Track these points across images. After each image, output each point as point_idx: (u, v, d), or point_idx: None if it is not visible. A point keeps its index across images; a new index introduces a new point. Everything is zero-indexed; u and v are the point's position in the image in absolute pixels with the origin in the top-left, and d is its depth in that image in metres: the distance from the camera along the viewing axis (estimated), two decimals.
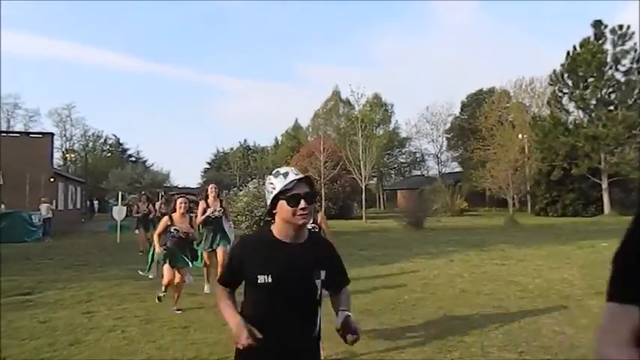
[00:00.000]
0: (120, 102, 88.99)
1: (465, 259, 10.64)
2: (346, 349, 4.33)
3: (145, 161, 60.72)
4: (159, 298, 6.18)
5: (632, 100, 30.67)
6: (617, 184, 32.41)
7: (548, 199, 33.95)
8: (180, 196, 6.38)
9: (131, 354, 4.28)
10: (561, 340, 4.58)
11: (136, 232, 14.09)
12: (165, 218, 6.13)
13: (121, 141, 63.52)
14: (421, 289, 7.31)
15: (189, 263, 6.21)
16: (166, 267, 5.99)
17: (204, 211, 7.07)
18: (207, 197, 7.30)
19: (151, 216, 13.72)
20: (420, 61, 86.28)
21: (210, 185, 7.53)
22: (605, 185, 31.63)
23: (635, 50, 30.62)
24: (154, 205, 14.55)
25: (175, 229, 5.98)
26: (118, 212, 16.79)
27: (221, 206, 7.34)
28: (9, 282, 8.21)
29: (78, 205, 30.87)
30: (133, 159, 60.44)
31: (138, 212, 13.81)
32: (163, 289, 6.14)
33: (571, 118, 33.76)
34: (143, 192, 17.26)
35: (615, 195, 32.73)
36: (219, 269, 5.34)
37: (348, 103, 47.76)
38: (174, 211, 6.11)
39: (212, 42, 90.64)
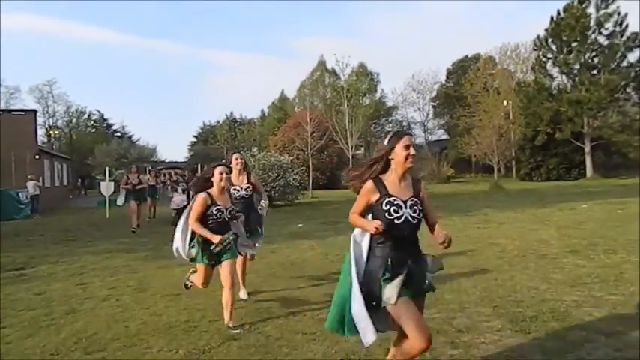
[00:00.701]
0: (102, 77, 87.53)
1: (448, 224, 10.88)
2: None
3: (130, 136, 60.20)
4: (186, 286, 4.92)
5: (615, 63, 30.99)
6: (600, 147, 33.02)
7: (532, 164, 34.54)
8: (219, 165, 4.54)
9: (126, 320, 4.48)
10: (533, 294, 4.85)
11: (125, 205, 13.59)
12: (204, 196, 4.35)
13: (105, 116, 62.71)
14: None
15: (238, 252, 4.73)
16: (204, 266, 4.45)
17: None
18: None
19: (142, 186, 13.19)
20: (405, 29, 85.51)
21: (234, 155, 5.47)
22: (587, 149, 32.22)
23: (618, 14, 30.75)
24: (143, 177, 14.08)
25: (219, 210, 4.37)
26: (106, 188, 16.82)
27: (249, 182, 5.40)
28: (2, 258, 8.34)
29: (65, 182, 30.72)
30: (119, 134, 59.86)
31: (127, 184, 13.11)
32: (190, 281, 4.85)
33: (555, 84, 34.07)
34: (133, 164, 16.96)
35: (598, 158, 33.40)
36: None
37: (333, 73, 47.39)
38: (209, 184, 4.46)
39: (196, 14, 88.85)
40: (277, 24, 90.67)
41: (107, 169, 18.09)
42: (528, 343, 3.56)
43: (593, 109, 30.99)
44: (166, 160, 59.36)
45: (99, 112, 62.38)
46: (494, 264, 6.40)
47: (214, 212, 4.34)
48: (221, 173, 4.40)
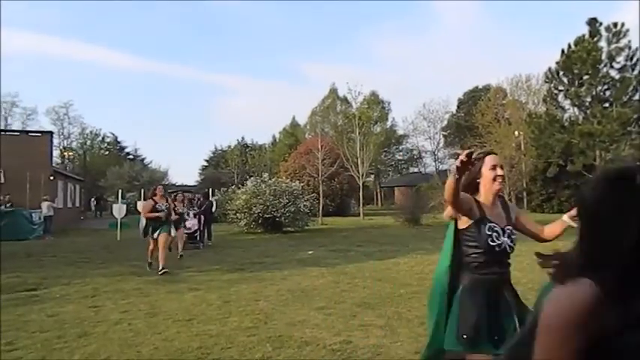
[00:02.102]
0: (117, 100, 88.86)
1: None
2: (345, 338, 4.54)
3: (142, 159, 60.77)
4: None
5: (627, 97, 30.90)
6: None
7: (544, 196, 34.29)
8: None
9: (138, 345, 4.47)
10: None
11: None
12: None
13: (118, 139, 63.55)
14: (417, 283, 7.51)
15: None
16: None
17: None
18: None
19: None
20: (416, 58, 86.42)
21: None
22: None
23: (630, 47, 30.86)
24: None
25: None
26: (119, 210, 16.96)
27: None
28: (15, 278, 8.39)
29: (77, 204, 30.99)
30: (131, 157, 60.46)
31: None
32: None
33: (566, 116, 33.97)
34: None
35: None
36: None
37: (345, 100, 47.88)
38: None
39: (208, 40, 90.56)
40: (289, 50, 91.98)
41: (119, 191, 18.27)
42: None
43: (606, 142, 30.82)
44: (177, 184, 59.71)
45: (113, 134, 63.27)
46: None
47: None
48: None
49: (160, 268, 8.66)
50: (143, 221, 9.86)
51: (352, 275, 8.34)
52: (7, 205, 18.25)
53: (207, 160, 66.34)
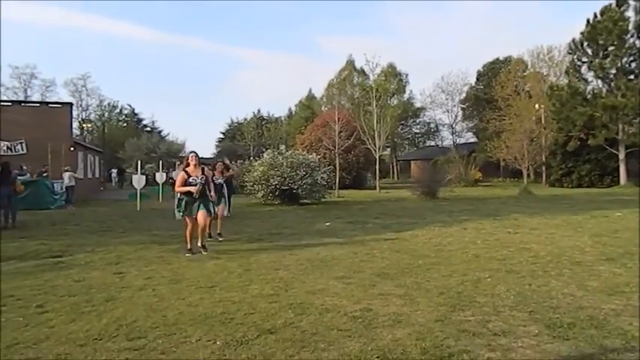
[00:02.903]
0: (135, 73, 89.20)
1: (478, 228, 10.83)
2: (365, 305, 4.60)
3: (160, 131, 61.22)
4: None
5: None
6: (635, 154, 32.00)
7: (563, 170, 33.77)
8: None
9: (163, 310, 4.59)
10: (570, 301, 4.78)
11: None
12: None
13: (136, 111, 63.97)
14: (435, 254, 7.53)
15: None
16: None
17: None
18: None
19: None
20: (435, 31, 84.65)
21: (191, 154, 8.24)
22: (622, 156, 31.30)
23: None
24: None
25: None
26: (138, 181, 17.19)
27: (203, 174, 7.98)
28: (40, 245, 8.64)
29: (97, 174, 31.46)
30: (148, 129, 60.92)
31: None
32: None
33: (589, 88, 33.14)
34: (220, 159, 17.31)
35: (632, 166, 32.38)
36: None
37: (362, 72, 47.37)
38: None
39: (225, 13, 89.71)
40: (305, 22, 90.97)
41: (139, 162, 18.48)
42: (567, 350, 3.52)
43: (629, 115, 30.09)
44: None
45: (130, 106, 63.73)
46: (527, 269, 6.31)
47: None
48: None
49: (190, 247, 7.63)
50: (176, 197, 8.36)
51: (370, 246, 8.38)
52: (44, 174, 18.67)
53: (223, 133, 66.60)
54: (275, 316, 4.33)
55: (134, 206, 17.19)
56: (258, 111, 64.03)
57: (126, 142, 47.58)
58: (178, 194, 8.00)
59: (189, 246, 7.72)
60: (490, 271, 6.23)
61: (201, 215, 7.80)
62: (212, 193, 8.05)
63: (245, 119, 63.66)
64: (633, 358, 3.37)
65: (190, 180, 7.70)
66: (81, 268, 6.68)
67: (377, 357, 3.37)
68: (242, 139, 57.34)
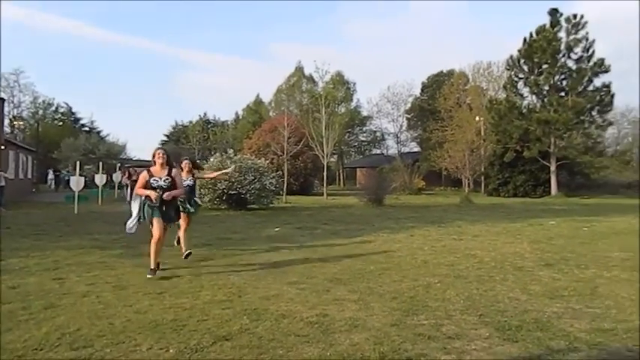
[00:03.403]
0: (73, 70, 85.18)
1: (424, 234, 11.10)
2: (320, 311, 4.58)
3: (99, 132, 58.65)
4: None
5: (582, 87, 32.14)
6: (564, 167, 34.15)
7: (500, 180, 35.40)
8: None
9: (110, 317, 4.36)
10: (515, 305, 4.98)
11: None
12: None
13: (73, 110, 61.07)
14: (385, 260, 7.64)
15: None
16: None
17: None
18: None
19: None
20: (383, 41, 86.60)
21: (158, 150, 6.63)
22: (553, 168, 33.24)
23: (587, 39, 31.95)
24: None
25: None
26: (76, 183, 16.35)
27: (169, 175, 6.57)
28: None
29: (29, 175, 29.69)
30: (87, 129, 58.27)
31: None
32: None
33: (525, 103, 35.06)
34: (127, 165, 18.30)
35: (562, 177, 34.50)
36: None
37: (311, 79, 47.68)
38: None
39: (171, 13, 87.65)
40: (254, 27, 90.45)
41: (78, 163, 17.60)
42: (517, 351, 3.64)
43: (560, 130, 32.03)
44: (135, 158, 58.12)
45: (67, 104, 60.79)
46: (474, 274, 6.52)
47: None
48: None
49: (152, 266, 6.22)
50: (135, 202, 6.57)
51: (321, 252, 8.39)
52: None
53: (167, 135, 64.89)
54: (230, 322, 4.22)
55: (71, 209, 16.33)
56: (204, 114, 63.11)
57: (62, 142, 45.22)
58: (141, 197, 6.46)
59: (152, 264, 6.22)
60: (439, 276, 6.38)
61: (155, 224, 6.34)
62: (177, 193, 6.55)
63: (190, 122, 62.44)
64: (577, 358, 3.54)
65: (152, 181, 6.32)
66: (15, 273, 6.23)
67: None
68: (187, 142, 56.11)
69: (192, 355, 3.47)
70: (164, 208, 6.39)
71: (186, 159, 8.23)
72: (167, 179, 6.38)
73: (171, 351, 3.53)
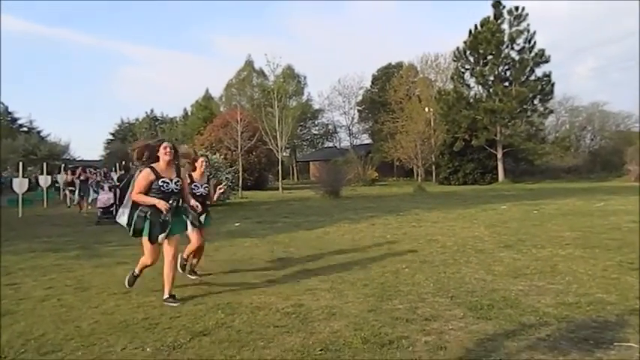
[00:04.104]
0: (7, 68, 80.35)
1: (384, 223, 11.25)
2: (295, 301, 4.54)
3: (39, 131, 55.76)
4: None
5: (525, 77, 33.49)
6: (510, 154, 35.55)
7: (450, 169, 36.42)
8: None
9: (75, 320, 4.15)
10: (483, 285, 5.12)
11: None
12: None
13: (9, 109, 57.68)
14: (350, 249, 7.69)
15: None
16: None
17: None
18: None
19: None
20: (331, 34, 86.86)
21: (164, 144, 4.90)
22: (499, 155, 34.50)
23: (528, 31, 33.29)
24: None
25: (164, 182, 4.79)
26: (19, 185, 15.48)
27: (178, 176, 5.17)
28: None
29: None
30: (25, 129, 55.23)
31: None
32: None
33: (472, 93, 36.16)
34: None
35: (508, 164, 35.89)
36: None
37: (261, 73, 47.19)
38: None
39: (116, 6, 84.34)
40: (198, 21, 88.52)
41: (20, 164, 16.66)
42: (492, 328, 3.75)
43: (505, 119, 33.28)
44: (79, 158, 55.77)
45: (2, 104, 57.30)
46: (439, 259, 6.67)
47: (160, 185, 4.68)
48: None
49: (166, 295, 4.72)
50: (126, 209, 4.92)
51: (285, 244, 8.34)
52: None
53: (112, 134, 62.68)
54: (204, 317, 4.11)
55: (14, 213, 15.44)
56: (151, 111, 61.28)
57: None
58: (135, 206, 4.78)
59: (167, 290, 4.74)
60: (406, 262, 6.49)
61: (170, 243, 4.81)
62: (193, 203, 5.23)
63: (137, 119, 60.56)
64: (549, 331, 3.68)
65: (161, 184, 4.67)
66: None
67: (320, 350, 3.33)
68: (134, 140, 54.24)
69: (171, 352, 3.35)
70: (175, 222, 4.80)
71: (202, 156, 6.09)
72: (178, 182, 4.80)
73: (147, 350, 3.40)
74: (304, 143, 60.13)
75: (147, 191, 4.68)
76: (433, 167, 39.39)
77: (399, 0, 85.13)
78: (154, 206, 4.63)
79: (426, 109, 38.09)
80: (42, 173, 20.49)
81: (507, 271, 5.76)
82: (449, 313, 4.15)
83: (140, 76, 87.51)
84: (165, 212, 4.61)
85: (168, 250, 4.81)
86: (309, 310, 4.27)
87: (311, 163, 53.08)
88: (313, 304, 4.47)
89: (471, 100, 35.01)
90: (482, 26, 33.78)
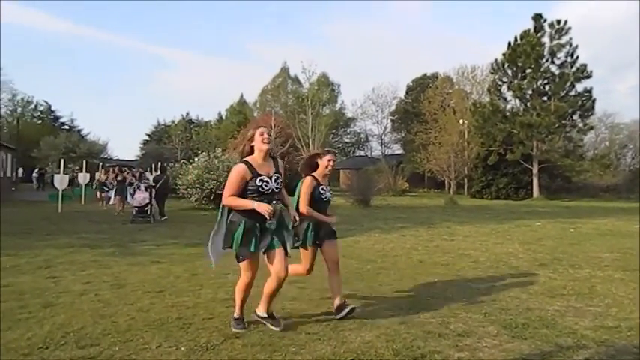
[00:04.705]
0: (53, 68, 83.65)
1: (415, 235, 11.15)
2: (326, 309, 4.54)
3: (79, 130, 57.72)
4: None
5: (564, 91, 32.72)
6: (546, 170, 34.68)
7: (483, 182, 35.80)
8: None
9: (112, 315, 4.26)
10: (517, 303, 5.01)
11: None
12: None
13: (52, 108, 59.95)
14: (381, 259, 7.64)
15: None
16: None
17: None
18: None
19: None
20: (367, 42, 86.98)
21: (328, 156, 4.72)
22: (535, 171, 33.73)
23: (570, 45, 32.55)
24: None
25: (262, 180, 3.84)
26: (60, 181, 16.03)
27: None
28: None
29: (8, 174, 29.01)
30: (67, 127, 57.26)
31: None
32: None
33: (508, 106, 35.53)
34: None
35: (543, 180, 35.02)
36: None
37: (296, 80, 47.58)
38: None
39: (152, 11, 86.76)
40: (235, 27, 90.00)
41: (62, 161, 17.25)
42: (527, 348, 3.66)
43: (543, 133, 32.55)
44: (116, 158, 57.39)
45: (46, 102, 59.62)
46: (471, 274, 6.56)
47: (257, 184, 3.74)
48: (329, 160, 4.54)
49: (237, 314, 4.08)
50: (217, 237, 4.05)
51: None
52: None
53: (149, 135, 64.06)
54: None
55: (54, 208, 15.99)
56: (187, 114, 62.40)
57: (41, 140, 44.33)
58: (226, 211, 3.93)
59: (236, 313, 4.05)
60: (437, 275, 6.41)
61: (278, 259, 3.98)
62: (292, 213, 4.17)
63: (173, 122, 61.75)
64: (586, 354, 3.57)
65: (258, 183, 3.81)
66: (6, 272, 6.06)
67: (351, 359, 3.33)
68: (169, 142, 55.48)
69: (204, 353, 3.40)
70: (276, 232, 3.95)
71: (329, 150, 4.94)
72: (278, 178, 3.97)
73: (182, 349, 3.46)
74: (336, 151, 60.11)
75: (241, 193, 3.80)
76: (465, 180, 38.81)
77: (435, 10, 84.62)
78: (252, 211, 3.70)
79: (461, 121, 37.66)
80: (81, 171, 21.15)
81: (543, 290, 5.62)
82: (482, 329, 4.08)
83: (177, 80, 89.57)
84: (269, 217, 3.70)
85: (274, 267, 3.95)
86: (341, 318, 4.26)
87: (341, 171, 53.02)
88: (344, 316, 4.46)
89: (508, 114, 34.38)
90: (521, 39, 33.23)
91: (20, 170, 39.05)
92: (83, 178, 20.30)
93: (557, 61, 32.91)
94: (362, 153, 58.66)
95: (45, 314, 4.27)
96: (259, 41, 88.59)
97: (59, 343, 3.52)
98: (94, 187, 20.97)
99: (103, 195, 18.89)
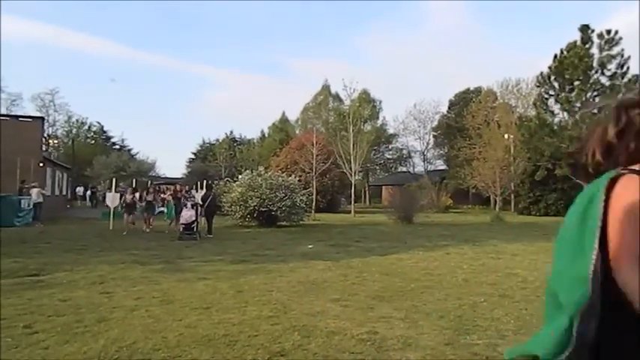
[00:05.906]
0: (104, 90, 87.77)
1: (460, 253, 10.93)
2: (370, 328, 4.54)
3: (129, 149, 60.10)
4: None
5: None
6: None
7: (531, 198, 34.71)
8: None
9: (162, 331, 4.41)
10: None
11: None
12: None
13: (104, 128, 62.79)
14: (425, 278, 7.54)
15: None
16: None
17: None
18: None
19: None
20: (408, 58, 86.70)
21: None
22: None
23: (622, 56, 31.35)
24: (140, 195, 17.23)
25: None
26: (112, 199, 16.70)
27: None
28: (14, 264, 8.22)
29: (64, 192, 30.49)
30: (117, 147, 59.75)
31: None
32: None
33: (556, 120, 34.43)
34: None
35: None
36: None
37: (337, 97, 47.94)
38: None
39: (197, 33, 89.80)
40: (277, 45, 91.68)
41: (114, 179, 17.99)
42: None
43: None
44: (163, 175, 59.28)
45: (99, 123, 62.49)
46: (519, 294, 6.38)
47: None
48: None
49: None
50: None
51: (359, 269, 8.34)
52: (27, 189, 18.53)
53: (194, 153, 65.92)
54: (280, 338, 4.22)
55: (106, 225, 16.64)
56: (231, 132, 63.87)
57: (94, 159, 46.42)
58: None
59: None
60: (483, 295, 6.26)
61: None
62: None
63: (217, 140, 63.33)
64: None
65: None
66: (63, 287, 6.38)
67: None
68: (214, 160, 56.88)
69: None
70: None
71: None
72: None
73: None
74: (377, 167, 59.94)
75: None
76: (512, 196, 37.75)
77: (477, 25, 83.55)
78: None
79: (506, 136, 36.79)
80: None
81: None
82: None
83: (221, 99, 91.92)
84: None
85: None
86: (384, 338, 4.25)
87: (383, 187, 52.77)
88: (388, 332, 4.44)
89: (555, 128, 33.30)
90: (568, 51, 32.28)
91: (81, 189, 40.93)
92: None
93: (608, 73, 31.72)
94: (404, 169, 58.16)
95: (99, 329, 4.47)
96: (301, 58, 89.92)
97: (113, 358, 3.68)
98: (120, 208, 16.91)
99: (127, 218, 15.64)
